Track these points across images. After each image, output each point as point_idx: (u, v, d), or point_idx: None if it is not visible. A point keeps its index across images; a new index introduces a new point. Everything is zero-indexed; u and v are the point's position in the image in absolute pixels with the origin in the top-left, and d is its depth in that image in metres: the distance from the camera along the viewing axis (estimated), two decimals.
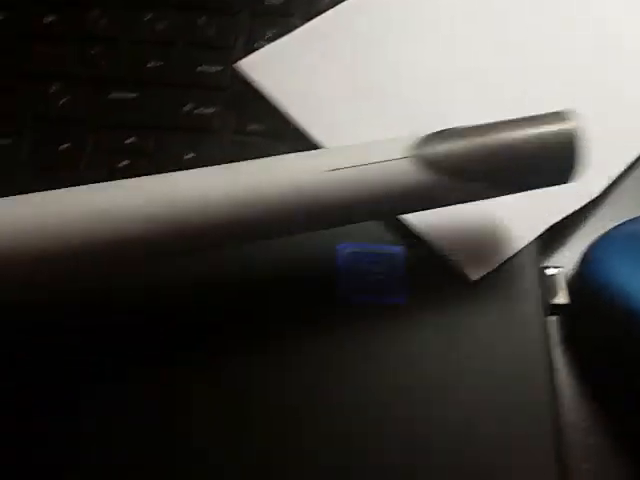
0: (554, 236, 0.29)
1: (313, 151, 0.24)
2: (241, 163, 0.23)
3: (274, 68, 0.31)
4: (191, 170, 0.23)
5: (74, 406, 0.24)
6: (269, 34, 0.33)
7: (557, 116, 0.23)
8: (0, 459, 0.23)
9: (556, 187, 0.27)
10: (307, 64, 0.31)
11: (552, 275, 0.27)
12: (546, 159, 0.23)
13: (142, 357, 0.25)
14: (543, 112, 0.23)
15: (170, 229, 0.22)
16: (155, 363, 0.25)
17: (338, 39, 0.32)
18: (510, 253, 0.27)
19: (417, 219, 0.27)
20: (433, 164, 0.22)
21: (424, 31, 0.33)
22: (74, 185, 0.27)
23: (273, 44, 0.32)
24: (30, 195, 0.22)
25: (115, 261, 0.22)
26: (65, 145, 0.30)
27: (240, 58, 0.32)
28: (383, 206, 0.23)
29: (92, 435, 0.23)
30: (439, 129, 0.24)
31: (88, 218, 0.21)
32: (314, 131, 0.29)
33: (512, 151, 0.23)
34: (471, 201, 0.24)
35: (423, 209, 0.24)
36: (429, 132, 0.23)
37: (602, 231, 0.29)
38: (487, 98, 0.31)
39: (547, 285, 0.27)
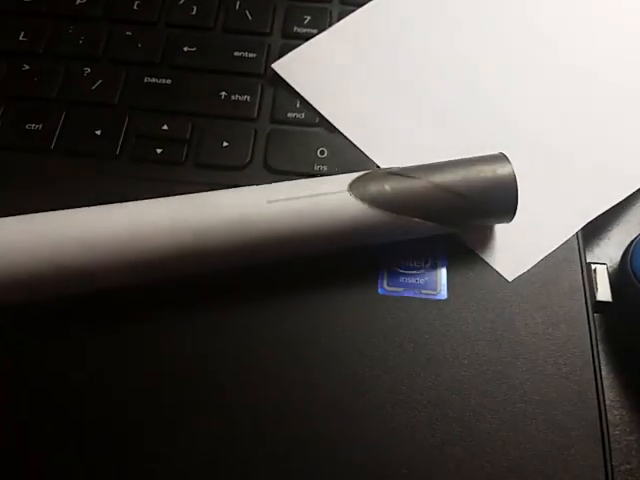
0: (597, 231, 0.29)
1: (256, 186, 0.24)
2: (188, 195, 0.24)
3: (305, 69, 0.31)
4: (138, 202, 0.24)
5: None
6: (306, 20, 0.32)
7: (494, 159, 0.25)
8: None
9: (594, 181, 0.27)
10: (337, 64, 0.31)
11: (594, 271, 0.27)
12: (483, 201, 0.24)
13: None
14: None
15: (114, 260, 0.22)
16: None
17: (366, 39, 0.32)
18: (546, 252, 0.26)
19: None
20: (369, 199, 0.23)
21: (450, 29, 0.32)
22: (111, 174, 0.27)
23: (304, 45, 0.31)
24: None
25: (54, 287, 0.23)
26: (98, 131, 0.29)
27: (277, 44, 0.32)
28: (321, 236, 0.24)
29: None
30: (378, 168, 0.25)
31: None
32: (345, 129, 0.29)
33: (446, 192, 0.24)
34: (412, 236, 0.25)
35: (363, 243, 0.25)
36: (368, 171, 0.25)
37: None
38: (513, 94, 0.30)
39: (592, 282, 0.26)
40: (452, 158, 0.25)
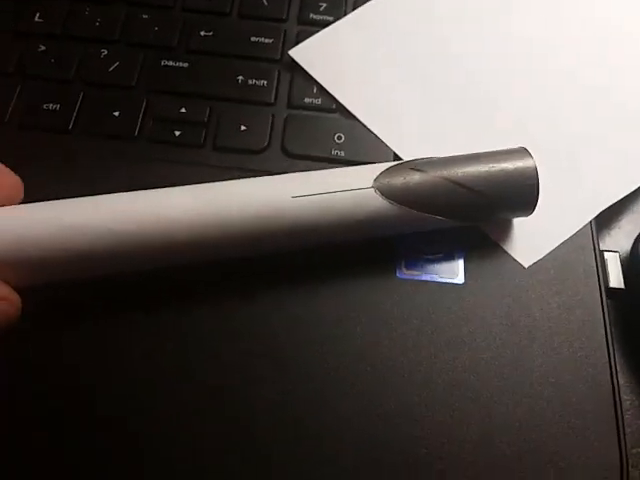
0: (607, 221, 0.29)
1: (281, 176, 0.24)
2: (213, 185, 0.24)
3: (322, 56, 0.31)
4: (164, 190, 0.23)
5: None
6: (322, 6, 0.33)
7: (517, 155, 0.25)
8: None
9: (608, 171, 0.28)
10: (354, 51, 0.31)
11: (606, 258, 0.27)
12: (505, 198, 0.25)
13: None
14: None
15: (138, 246, 0.22)
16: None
17: (383, 27, 0.32)
18: (562, 239, 0.27)
19: None
20: (393, 196, 0.24)
21: (468, 17, 0.32)
22: (129, 155, 0.27)
23: (321, 32, 0.32)
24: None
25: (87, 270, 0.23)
26: (116, 112, 0.29)
27: (293, 30, 0.32)
28: (344, 231, 0.24)
29: None
30: (401, 161, 0.25)
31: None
32: (361, 116, 0.30)
33: (468, 187, 0.24)
34: (433, 229, 0.25)
35: (384, 235, 0.26)
36: (391, 164, 0.25)
37: None
38: (532, 82, 0.31)
39: (605, 269, 0.27)
40: (471, 145, 0.26)
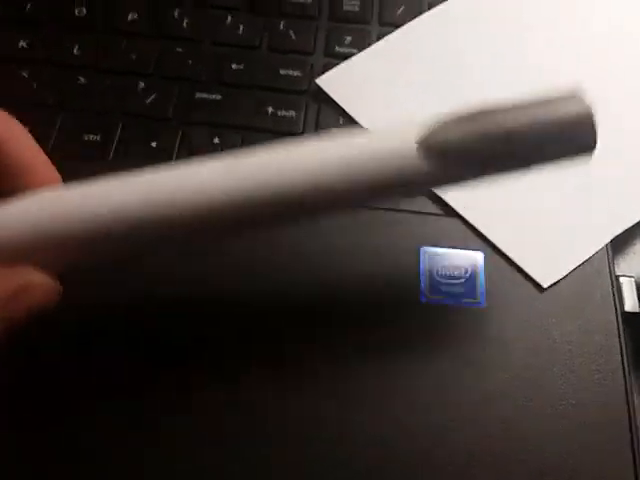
0: (621, 246, 0.31)
1: (328, 138, 0.22)
2: (259, 152, 0.22)
3: (349, 85, 0.32)
4: (215, 158, 0.22)
5: None
6: (347, 40, 0.34)
7: (570, 95, 0.22)
8: None
9: (624, 195, 0.29)
10: (379, 81, 0.33)
11: (622, 283, 0.28)
12: (564, 139, 0.22)
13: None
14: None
15: (190, 216, 0.21)
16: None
17: (405, 57, 0.33)
18: (580, 260, 0.28)
19: (489, 228, 0.29)
20: (444, 149, 0.21)
21: (482, 44, 0.34)
22: None
23: (348, 61, 0.33)
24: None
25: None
26: (154, 143, 0.31)
27: (320, 63, 0.33)
28: (395, 188, 0.22)
29: None
30: (445, 114, 0.22)
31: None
32: None
33: (526, 135, 0.21)
34: (484, 180, 0.23)
35: (435, 187, 0.26)
36: (441, 115, 0.22)
37: None
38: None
39: (620, 293, 0.28)
40: None
